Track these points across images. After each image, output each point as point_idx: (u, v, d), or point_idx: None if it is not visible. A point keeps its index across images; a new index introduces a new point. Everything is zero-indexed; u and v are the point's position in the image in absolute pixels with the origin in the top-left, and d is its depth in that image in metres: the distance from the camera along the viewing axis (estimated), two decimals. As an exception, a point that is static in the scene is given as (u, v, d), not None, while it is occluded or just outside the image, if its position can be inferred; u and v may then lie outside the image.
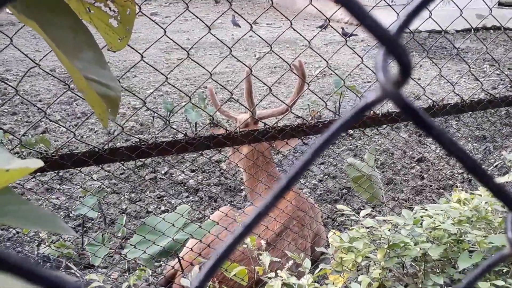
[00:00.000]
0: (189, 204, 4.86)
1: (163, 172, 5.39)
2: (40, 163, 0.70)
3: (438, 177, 5.49)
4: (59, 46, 1.00)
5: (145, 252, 2.47)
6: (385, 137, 6.25)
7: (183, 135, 2.42)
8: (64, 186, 5.10)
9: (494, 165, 5.72)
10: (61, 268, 3.90)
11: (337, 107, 6.72)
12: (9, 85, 1.99)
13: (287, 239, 3.48)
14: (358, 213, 4.75)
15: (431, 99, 3.02)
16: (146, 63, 2.16)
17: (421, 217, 2.19)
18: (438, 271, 2.07)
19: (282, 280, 1.87)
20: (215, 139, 2.46)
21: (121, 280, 3.85)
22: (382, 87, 0.35)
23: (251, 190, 3.92)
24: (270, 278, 1.91)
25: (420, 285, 2.04)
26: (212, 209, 4.79)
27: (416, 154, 5.90)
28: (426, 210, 2.40)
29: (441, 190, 5.21)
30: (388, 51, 0.34)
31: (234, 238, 0.36)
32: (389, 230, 2.02)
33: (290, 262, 2.10)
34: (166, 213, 4.59)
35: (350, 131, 6.29)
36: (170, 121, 6.55)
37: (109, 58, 9.27)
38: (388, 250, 1.98)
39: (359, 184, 3.64)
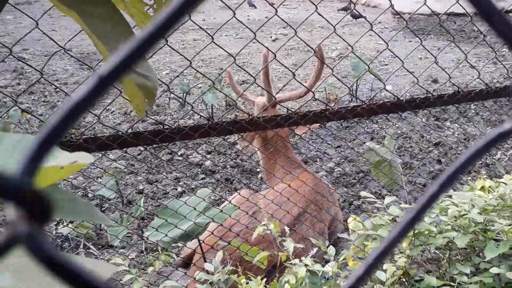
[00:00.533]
0: (206, 186, 4.88)
1: (179, 153, 5.40)
2: (90, 158, 0.70)
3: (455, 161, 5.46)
4: (99, 37, 0.99)
5: (166, 235, 2.48)
6: (402, 120, 6.21)
7: (205, 119, 2.41)
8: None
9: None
10: (80, 248, 3.94)
11: (354, 90, 6.67)
12: (27, 64, 1.99)
13: (305, 223, 3.48)
14: (376, 198, 4.76)
15: (456, 85, 2.98)
16: (171, 47, 2.15)
17: (446, 205, 2.18)
18: (462, 259, 2.06)
19: (307, 266, 1.87)
20: (238, 124, 2.45)
21: (139, 260, 3.89)
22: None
23: (269, 173, 3.91)
24: (294, 264, 1.91)
25: (444, 273, 2.03)
26: (228, 191, 4.80)
27: (434, 138, 5.86)
28: (450, 197, 2.38)
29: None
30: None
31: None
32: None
33: (315, 250, 2.10)
34: (184, 194, 4.64)
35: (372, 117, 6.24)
36: (186, 103, 6.55)
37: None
38: (413, 238, 1.98)
39: (380, 170, 3.62)
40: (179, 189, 4.77)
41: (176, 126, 2.34)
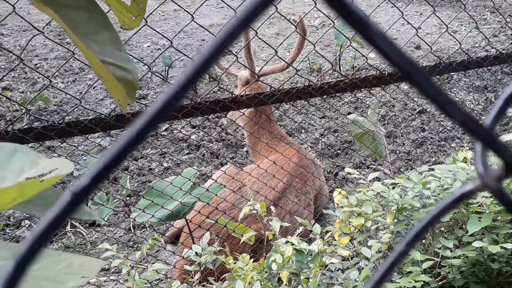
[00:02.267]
0: (191, 160, 4.88)
1: (163, 128, 5.38)
2: (70, 166, 0.69)
3: (439, 128, 5.50)
4: (74, 29, 0.97)
5: (153, 216, 2.49)
6: (385, 90, 6.22)
7: (188, 98, 2.40)
8: (64, 144, 5.10)
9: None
10: (67, 227, 3.94)
11: (337, 59, 6.65)
12: (5, 49, 1.95)
13: (290, 198, 3.50)
14: (360, 167, 4.80)
15: (437, 56, 2.98)
16: (152, 28, 2.11)
17: (429, 181, 2.20)
18: (445, 231, 2.09)
19: (293, 246, 1.89)
20: (221, 103, 2.44)
21: (127, 238, 3.91)
22: (483, 180, 0.34)
23: (254, 149, 3.91)
24: (280, 244, 1.93)
25: (428, 247, 2.07)
26: (214, 165, 4.81)
27: (417, 106, 5.88)
28: (432, 170, 2.41)
29: (443, 142, 5.23)
30: (486, 145, 0.33)
31: None
32: (398, 194, 2.03)
33: (301, 228, 2.12)
34: (169, 169, 4.63)
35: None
36: (169, 76, 6.50)
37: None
38: (397, 214, 2.00)
39: (363, 143, 3.64)
40: (165, 164, 4.76)
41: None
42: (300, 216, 3.55)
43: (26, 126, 2.18)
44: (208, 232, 2.14)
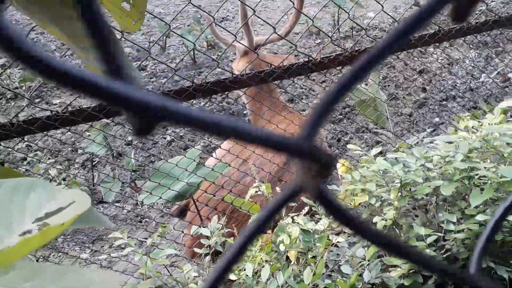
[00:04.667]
0: (193, 132, 4.90)
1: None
2: (87, 201, 0.72)
3: (440, 88, 5.50)
4: (75, 41, 0.98)
5: (160, 197, 2.54)
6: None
7: (189, 81, 2.41)
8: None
9: (496, 72, 5.70)
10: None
11: (336, 20, 6.59)
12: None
13: (291, 171, 3.55)
14: (363, 132, 4.82)
15: (438, 26, 2.96)
16: (150, 13, 2.11)
17: (431, 156, 2.23)
18: (448, 204, 2.13)
19: (299, 226, 1.94)
20: (222, 84, 2.45)
21: (136, 213, 3.98)
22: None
23: (256, 116, 3.92)
24: (287, 223, 1.98)
25: (431, 220, 2.12)
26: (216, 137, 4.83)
27: (418, 65, 5.86)
28: (435, 141, 2.44)
29: (444, 102, 5.23)
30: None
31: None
32: (401, 170, 2.06)
33: (306, 208, 2.17)
34: (173, 143, 4.67)
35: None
36: (167, 45, 6.46)
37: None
38: (401, 189, 2.04)
39: (364, 114, 3.65)
40: (168, 138, 4.80)
41: (161, 91, 2.35)
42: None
43: (29, 117, 2.20)
44: (216, 216, 2.19)
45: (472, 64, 5.91)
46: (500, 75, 5.64)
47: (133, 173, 4.39)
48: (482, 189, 1.99)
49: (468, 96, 5.41)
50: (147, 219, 3.88)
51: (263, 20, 2.70)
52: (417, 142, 2.99)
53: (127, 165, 4.16)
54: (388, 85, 5.51)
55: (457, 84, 5.57)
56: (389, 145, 4.54)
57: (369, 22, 6.40)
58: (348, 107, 5.15)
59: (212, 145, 4.69)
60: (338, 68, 2.64)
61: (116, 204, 4.08)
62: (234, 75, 2.49)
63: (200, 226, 2.58)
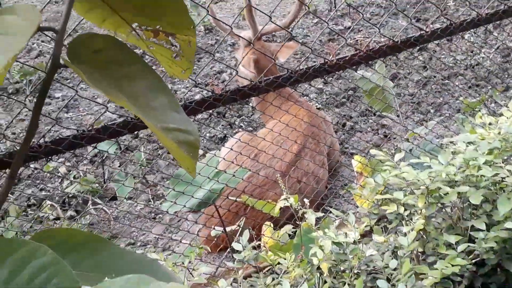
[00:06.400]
0: (198, 121, 4.90)
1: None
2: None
3: (441, 66, 5.49)
4: (134, 100, 0.99)
5: (185, 206, 2.56)
6: (384, 27, 6.16)
7: (209, 91, 2.42)
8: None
9: (495, 47, 5.71)
10: (89, 205, 4.01)
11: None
12: None
13: (306, 158, 3.58)
14: (366, 116, 4.83)
15: (448, 18, 2.96)
16: None
17: (453, 153, 2.26)
18: (473, 207, 2.16)
19: (331, 239, 1.97)
20: (241, 92, 2.46)
21: (148, 210, 3.99)
22: None
23: (263, 104, 3.92)
24: (319, 237, 2.01)
25: (457, 223, 2.15)
26: (222, 125, 4.84)
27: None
28: (452, 141, 2.47)
29: (446, 81, 5.23)
30: None
31: None
32: (427, 176, 2.08)
33: (337, 222, 2.20)
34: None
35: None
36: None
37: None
38: (427, 197, 2.07)
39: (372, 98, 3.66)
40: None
41: (184, 104, 2.35)
42: (316, 175, 3.64)
43: (57, 137, 2.19)
44: (247, 230, 2.21)
45: (472, 39, 5.91)
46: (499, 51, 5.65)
47: (142, 168, 4.38)
48: (508, 195, 2.02)
49: (470, 73, 5.43)
50: (160, 216, 3.90)
51: (259, 10, 2.73)
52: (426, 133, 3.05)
53: (138, 160, 4.17)
54: (390, 65, 5.50)
55: (458, 62, 5.58)
56: (394, 128, 4.56)
57: None
58: (351, 89, 5.14)
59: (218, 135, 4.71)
60: (353, 68, 2.65)
61: (129, 201, 4.09)
62: (252, 82, 2.49)
63: (221, 230, 2.63)
